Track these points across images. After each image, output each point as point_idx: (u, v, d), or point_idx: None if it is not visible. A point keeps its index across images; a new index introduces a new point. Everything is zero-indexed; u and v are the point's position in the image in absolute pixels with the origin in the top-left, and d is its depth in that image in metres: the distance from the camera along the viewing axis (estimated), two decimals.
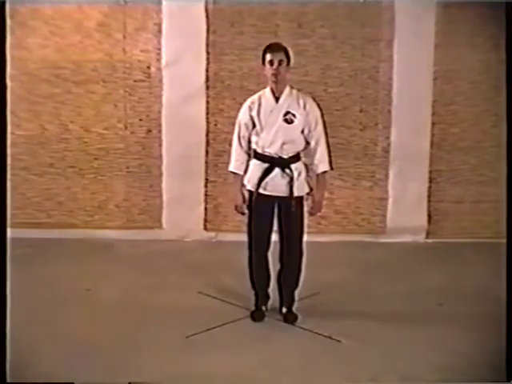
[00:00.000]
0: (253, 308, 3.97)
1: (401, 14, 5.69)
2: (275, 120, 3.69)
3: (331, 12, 5.76)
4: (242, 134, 3.78)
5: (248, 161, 3.82)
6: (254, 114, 3.72)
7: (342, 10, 5.76)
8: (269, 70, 3.66)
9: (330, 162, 3.80)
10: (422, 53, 5.74)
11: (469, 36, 5.78)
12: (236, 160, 3.83)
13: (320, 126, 3.74)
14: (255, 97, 3.78)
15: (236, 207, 3.89)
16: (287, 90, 3.73)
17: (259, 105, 3.72)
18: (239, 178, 3.84)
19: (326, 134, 3.79)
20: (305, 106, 3.71)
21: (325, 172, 3.80)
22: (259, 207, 3.77)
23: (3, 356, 2.43)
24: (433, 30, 5.72)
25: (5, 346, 2.42)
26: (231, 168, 3.86)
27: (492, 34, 5.57)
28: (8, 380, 2.55)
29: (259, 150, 3.76)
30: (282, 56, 3.66)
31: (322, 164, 3.76)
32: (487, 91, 5.81)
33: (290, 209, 3.72)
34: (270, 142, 3.70)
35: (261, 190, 3.73)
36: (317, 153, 3.75)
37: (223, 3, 5.72)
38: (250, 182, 3.80)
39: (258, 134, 3.74)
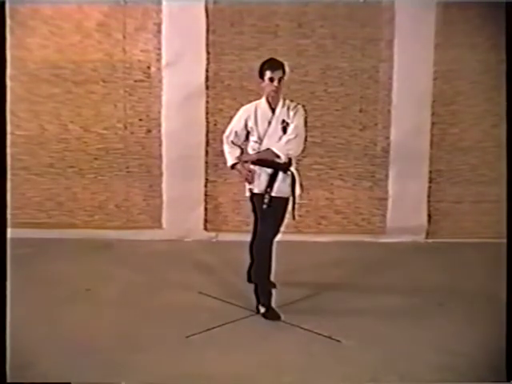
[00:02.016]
0: (253, 308, 3.99)
1: (401, 14, 5.69)
2: (274, 130, 3.91)
3: (331, 12, 5.76)
4: (231, 139, 4.05)
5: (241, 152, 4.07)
6: (252, 124, 3.93)
7: (342, 10, 5.76)
8: (269, 86, 3.87)
9: (288, 157, 3.90)
10: (421, 53, 5.74)
11: (469, 36, 5.78)
12: (231, 155, 4.07)
13: (296, 122, 3.88)
14: (251, 108, 3.97)
15: (247, 179, 4.02)
16: (281, 101, 3.94)
17: (255, 116, 3.93)
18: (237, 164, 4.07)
19: (306, 139, 3.97)
20: (295, 114, 3.91)
21: (270, 151, 3.87)
22: (270, 207, 3.91)
23: (3, 356, 2.43)
24: (433, 30, 5.72)
25: (5, 346, 2.42)
26: (230, 162, 4.08)
27: (492, 33, 5.57)
28: (8, 380, 2.55)
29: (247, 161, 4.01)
30: (280, 73, 3.86)
31: (277, 147, 3.87)
32: (487, 91, 5.81)
33: (285, 208, 3.96)
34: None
35: (255, 190, 3.97)
36: (282, 139, 3.87)
37: (223, 3, 5.72)
38: (257, 187, 3.96)
39: (258, 143, 3.94)
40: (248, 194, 4.09)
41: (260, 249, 3.98)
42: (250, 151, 4.01)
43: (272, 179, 3.91)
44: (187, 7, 5.67)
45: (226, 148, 4.08)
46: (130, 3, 5.72)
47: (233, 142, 4.03)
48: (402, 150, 5.83)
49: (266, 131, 3.90)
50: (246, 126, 3.96)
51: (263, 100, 3.95)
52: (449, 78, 5.85)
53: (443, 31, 5.75)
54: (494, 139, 5.73)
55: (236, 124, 4.01)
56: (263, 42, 5.76)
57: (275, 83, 3.83)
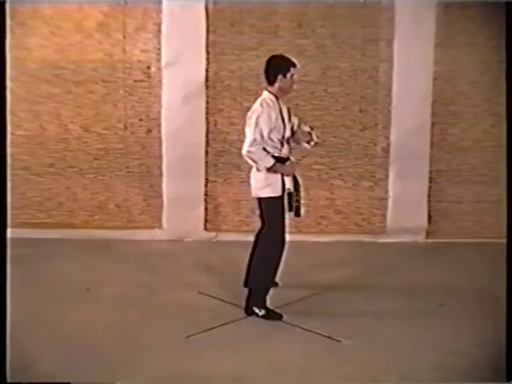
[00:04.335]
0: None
1: (401, 14, 5.69)
2: (288, 126, 3.93)
3: (331, 12, 5.76)
4: (265, 139, 3.77)
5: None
6: (279, 121, 3.85)
7: (341, 10, 5.76)
8: (289, 83, 3.89)
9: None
10: (421, 53, 5.74)
11: (469, 36, 5.78)
12: (265, 157, 3.77)
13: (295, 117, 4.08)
14: (270, 104, 3.83)
15: (290, 172, 3.89)
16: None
17: (275, 114, 3.83)
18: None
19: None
20: (289, 111, 4.01)
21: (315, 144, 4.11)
22: (283, 206, 3.89)
23: (3, 356, 2.43)
24: (433, 29, 5.72)
25: (5, 346, 2.42)
26: (270, 164, 3.76)
27: (493, 33, 5.56)
28: (8, 380, 2.55)
29: (281, 155, 3.90)
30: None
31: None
32: (487, 91, 5.82)
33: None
34: (287, 146, 3.97)
35: (291, 189, 3.90)
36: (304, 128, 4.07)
37: (223, 3, 5.72)
38: (291, 186, 3.88)
39: (280, 140, 3.88)
40: (271, 195, 3.85)
41: (276, 250, 3.90)
42: (271, 150, 3.80)
43: (295, 176, 3.92)
44: (187, 7, 5.67)
45: (260, 150, 3.74)
46: (130, 3, 5.72)
47: (265, 142, 3.77)
48: (402, 150, 5.83)
49: (284, 127, 3.88)
50: (273, 123, 3.78)
51: (272, 97, 3.85)
52: (449, 78, 5.85)
53: (443, 31, 5.75)
54: (494, 139, 5.73)
55: (269, 122, 3.75)
56: (263, 42, 5.76)
57: (293, 80, 3.89)
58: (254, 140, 3.74)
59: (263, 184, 3.85)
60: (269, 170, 3.78)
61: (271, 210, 3.90)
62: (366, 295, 4.40)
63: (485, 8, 5.45)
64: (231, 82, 5.82)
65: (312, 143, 4.10)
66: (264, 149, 3.77)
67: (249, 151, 3.75)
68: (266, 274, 3.96)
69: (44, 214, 5.96)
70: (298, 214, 3.95)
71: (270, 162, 3.76)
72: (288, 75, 3.83)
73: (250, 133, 3.78)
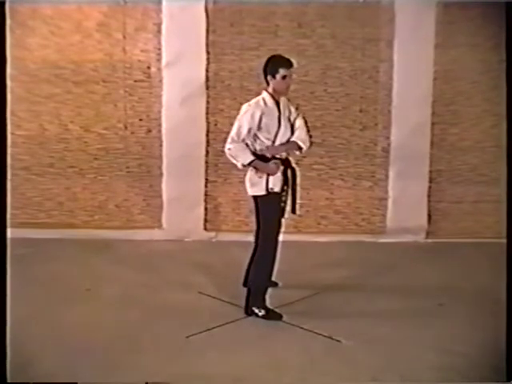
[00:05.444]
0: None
1: (401, 14, 5.69)
2: (285, 127, 3.90)
3: (331, 12, 5.77)
4: (243, 138, 3.83)
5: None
6: (267, 120, 3.82)
7: (341, 10, 5.76)
8: (282, 84, 3.84)
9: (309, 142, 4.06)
10: (421, 53, 5.74)
11: (469, 36, 5.79)
12: (246, 153, 3.82)
13: (300, 117, 4.04)
14: (261, 105, 3.84)
15: (273, 171, 3.84)
16: (282, 98, 3.93)
17: (268, 113, 3.83)
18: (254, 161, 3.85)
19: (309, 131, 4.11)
20: (294, 109, 4.04)
21: (294, 143, 3.97)
22: (277, 205, 3.89)
23: (3, 356, 2.43)
24: (433, 29, 5.73)
25: (5, 346, 2.42)
26: (248, 160, 3.80)
27: (493, 33, 5.56)
28: (8, 380, 2.55)
29: (275, 155, 3.89)
30: (291, 71, 3.87)
31: (299, 139, 3.97)
32: (487, 91, 5.82)
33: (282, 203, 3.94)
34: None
35: (276, 189, 3.87)
36: (299, 133, 4.00)
37: (223, 3, 5.72)
38: (276, 186, 3.87)
39: (271, 139, 3.87)
40: (257, 193, 3.89)
41: (269, 249, 3.90)
42: (258, 148, 3.85)
43: (286, 176, 3.89)
44: (187, 7, 5.67)
45: (238, 147, 3.81)
46: (130, 3, 5.72)
47: (243, 141, 3.83)
48: (402, 150, 5.83)
49: (278, 127, 3.85)
50: (259, 122, 3.80)
51: (268, 97, 3.86)
52: (449, 78, 5.85)
53: (443, 31, 5.75)
54: (494, 139, 5.73)
55: (250, 121, 3.78)
56: (263, 42, 5.76)
57: (287, 80, 3.83)
58: (232, 138, 3.83)
59: (249, 183, 3.93)
60: (251, 167, 3.84)
61: (261, 209, 3.94)
62: (365, 295, 4.40)
63: (485, 8, 5.45)
64: (231, 82, 5.82)
65: (303, 151, 4.07)
66: (247, 146, 3.82)
67: (228, 148, 3.84)
68: (262, 274, 3.96)
69: (44, 214, 5.97)
70: (282, 214, 3.96)
71: (248, 158, 3.80)
72: (277, 76, 3.80)
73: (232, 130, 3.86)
